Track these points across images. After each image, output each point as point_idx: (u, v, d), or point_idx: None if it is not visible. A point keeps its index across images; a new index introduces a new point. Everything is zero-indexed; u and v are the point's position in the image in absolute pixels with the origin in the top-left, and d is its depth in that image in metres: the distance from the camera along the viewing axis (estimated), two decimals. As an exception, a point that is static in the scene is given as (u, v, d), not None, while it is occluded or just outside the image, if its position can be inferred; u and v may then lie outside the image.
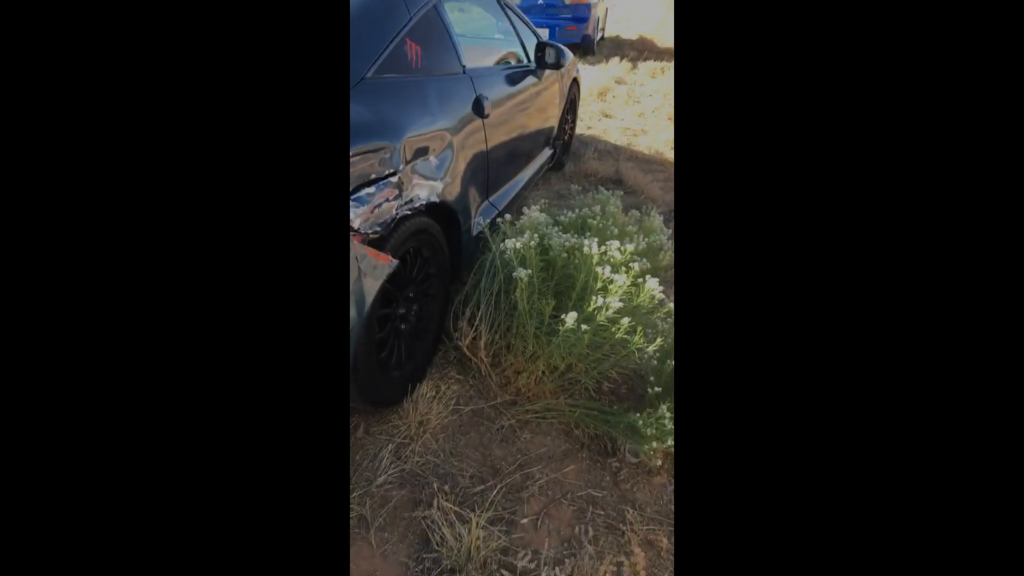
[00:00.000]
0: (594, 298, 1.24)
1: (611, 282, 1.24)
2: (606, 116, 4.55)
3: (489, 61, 2.03)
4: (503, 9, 2.14)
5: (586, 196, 2.31)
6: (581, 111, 4.45)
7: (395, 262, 1.10)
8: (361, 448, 1.29)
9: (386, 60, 1.27)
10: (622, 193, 2.89)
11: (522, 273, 1.20)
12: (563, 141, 3.06)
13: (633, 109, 4.74)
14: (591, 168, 3.20)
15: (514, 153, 2.03)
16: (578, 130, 4.05)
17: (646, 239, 1.86)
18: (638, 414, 1.28)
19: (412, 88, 1.33)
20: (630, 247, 1.29)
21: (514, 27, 2.19)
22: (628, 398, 1.53)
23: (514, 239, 1.27)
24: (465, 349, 1.48)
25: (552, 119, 2.61)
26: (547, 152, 2.65)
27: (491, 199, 1.84)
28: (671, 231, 2.40)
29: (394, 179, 1.15)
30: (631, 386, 1.56)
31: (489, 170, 1.74)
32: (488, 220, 1.71)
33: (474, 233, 1.64)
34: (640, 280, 1.32)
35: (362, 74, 1.19)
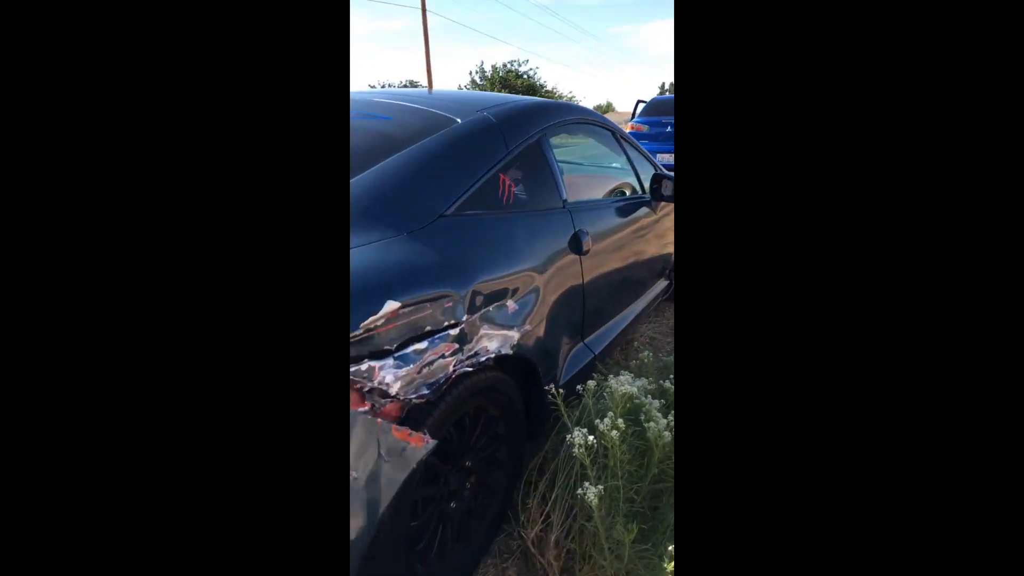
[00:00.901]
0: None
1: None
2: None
3: (597, 193, 1.90)
4: (618, 140, 2.05)
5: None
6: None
7: (431, 444, 0.87)
8: (376, 671, 0.98)
9: (472, 196, 1.16)
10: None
11: (591, 494, 0.88)
12: (683, 269, 2.76)
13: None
14: (716, 300, 2.80)
15: (619, 288, 1.79)
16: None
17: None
18: None
19: (497, 226, 1.19)
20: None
21: (629, 158, 2.07)
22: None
23: (582, 432, 0.96)
24: (530, 544, 1.15)
25: (669, 248, 2.36)
26: (662, 283, 2.36)
27: (586, 340, 1.59)
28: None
29: (454, 331, 0.97)
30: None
31: (585, 308, 1.51)
32: (576, 369, 1.44)
33: (561, 382, 1.38)
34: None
35: (441, 211, 1.09)
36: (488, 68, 21.16)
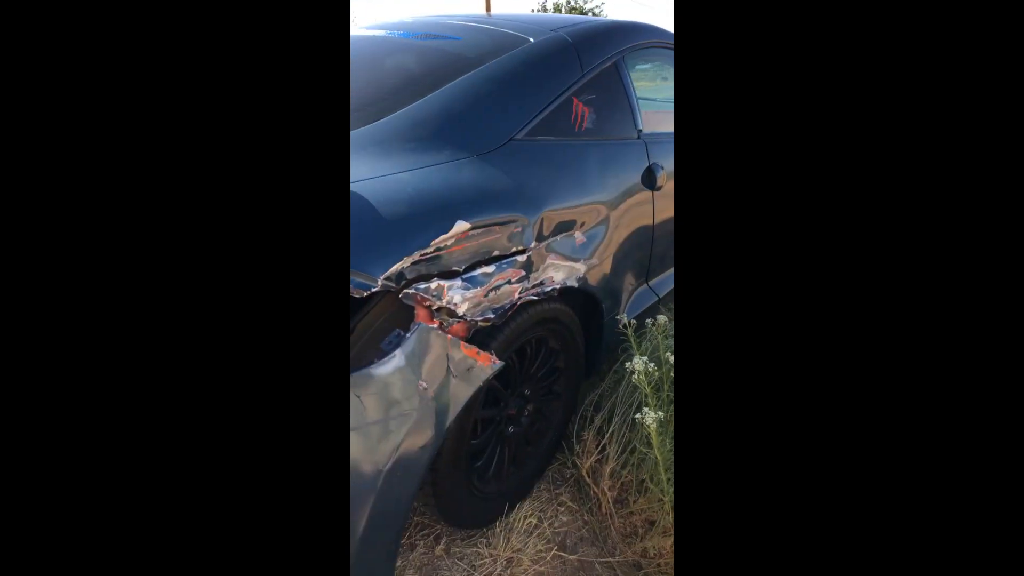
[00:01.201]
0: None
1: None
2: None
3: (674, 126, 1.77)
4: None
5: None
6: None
7: (498, 364, 0.87)
8: (435, 571, 1.05)
9: (543, 121, 1.11)
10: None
11: (650, 418, 0.86)
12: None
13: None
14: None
15: (689, 231, 1.70)
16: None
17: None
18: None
19: (568, 153, 1.14)
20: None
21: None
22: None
23: (643, 360, 0.93)
24: (584, 472, 1.16)
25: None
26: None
27: (651, 283, 1.53)
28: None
29: (521, 258, 0.95)
30: None
31: (653, 249, 1.45)
32: (638, 311, 1.40)
33: (623, 322, 1.35)
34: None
35: (511, 134, 1.04)
36: (550, 5, 19.98)
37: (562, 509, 1.19)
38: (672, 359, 0.96)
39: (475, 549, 1.09)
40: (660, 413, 0.87)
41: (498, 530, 1.11)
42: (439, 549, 1.09)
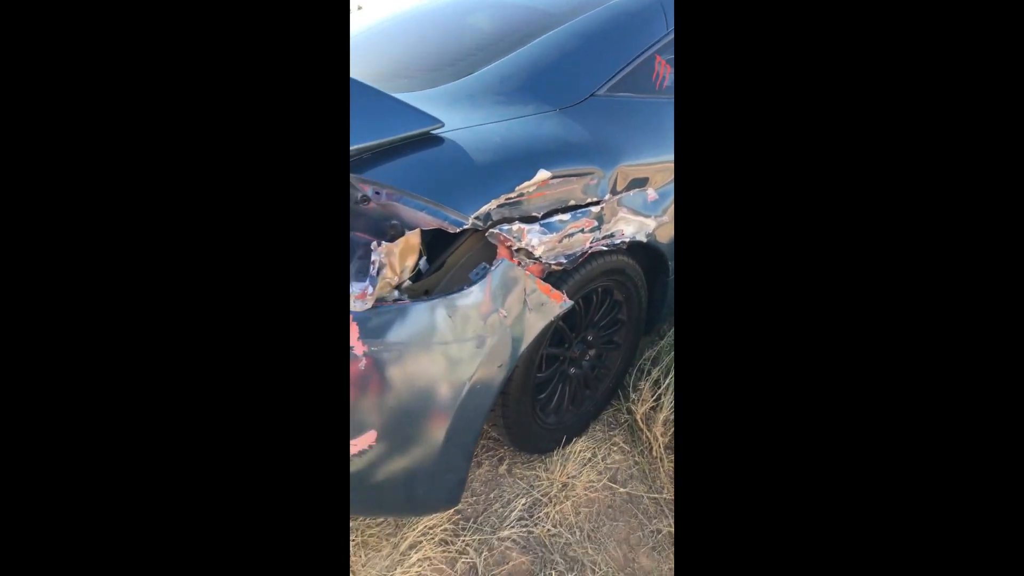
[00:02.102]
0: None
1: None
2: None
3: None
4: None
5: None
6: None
7: (568, 303, 0.95)
8: (498, 487, 1.19)
9: (625, 77, 1.14)
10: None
11: None
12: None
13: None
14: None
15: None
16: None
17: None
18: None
19: (648, 111, 1.16)
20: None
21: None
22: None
23: None
24: (639, 418, 1.24)
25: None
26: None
27: (720, 247, 1.54)
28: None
29: (595, 209, 1.01)
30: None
31: (725, 213, 1.45)
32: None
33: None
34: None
35: (592, 90, 1.09)
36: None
37: (615, 449, 1.28)
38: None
39: (534, 472, 1.21)
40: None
41: (555, 458, 1.22)
42: (502, 468, 1.22)
